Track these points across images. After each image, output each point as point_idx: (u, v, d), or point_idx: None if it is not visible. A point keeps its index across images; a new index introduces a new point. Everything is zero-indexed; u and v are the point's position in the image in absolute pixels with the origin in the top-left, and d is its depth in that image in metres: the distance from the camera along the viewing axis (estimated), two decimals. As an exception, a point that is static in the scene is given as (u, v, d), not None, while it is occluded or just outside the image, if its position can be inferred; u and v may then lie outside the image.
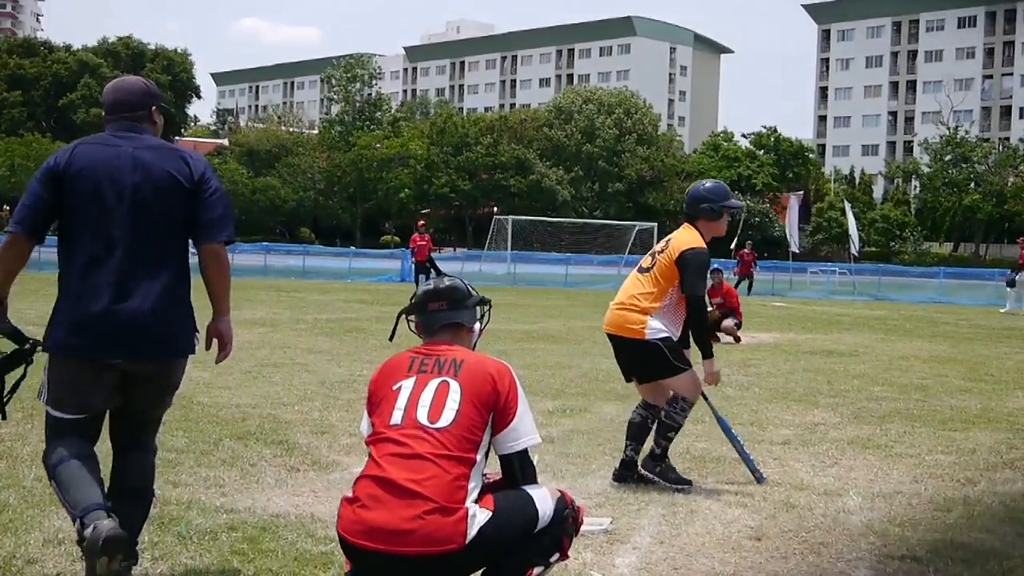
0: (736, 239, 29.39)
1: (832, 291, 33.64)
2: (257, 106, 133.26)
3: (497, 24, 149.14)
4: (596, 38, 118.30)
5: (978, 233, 75.28)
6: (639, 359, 5.64)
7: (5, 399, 3.92)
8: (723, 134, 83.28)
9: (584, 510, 3.59)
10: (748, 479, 5.77)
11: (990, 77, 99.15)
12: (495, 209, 66.55)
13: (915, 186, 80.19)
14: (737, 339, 14.82)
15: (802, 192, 48.64)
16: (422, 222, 29.97)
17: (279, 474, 5.61)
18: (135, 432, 3.84)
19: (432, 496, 3.10)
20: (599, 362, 10.93)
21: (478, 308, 3.68)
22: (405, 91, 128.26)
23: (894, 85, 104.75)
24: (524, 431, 3.35)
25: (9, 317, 3.81)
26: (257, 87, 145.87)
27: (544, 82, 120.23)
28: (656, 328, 5.51)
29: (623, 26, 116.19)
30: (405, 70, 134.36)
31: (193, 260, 3.82)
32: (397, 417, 3.28)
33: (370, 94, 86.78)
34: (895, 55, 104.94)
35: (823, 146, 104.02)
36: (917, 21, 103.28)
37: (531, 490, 3.34)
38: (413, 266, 26.86)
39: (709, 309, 14.91)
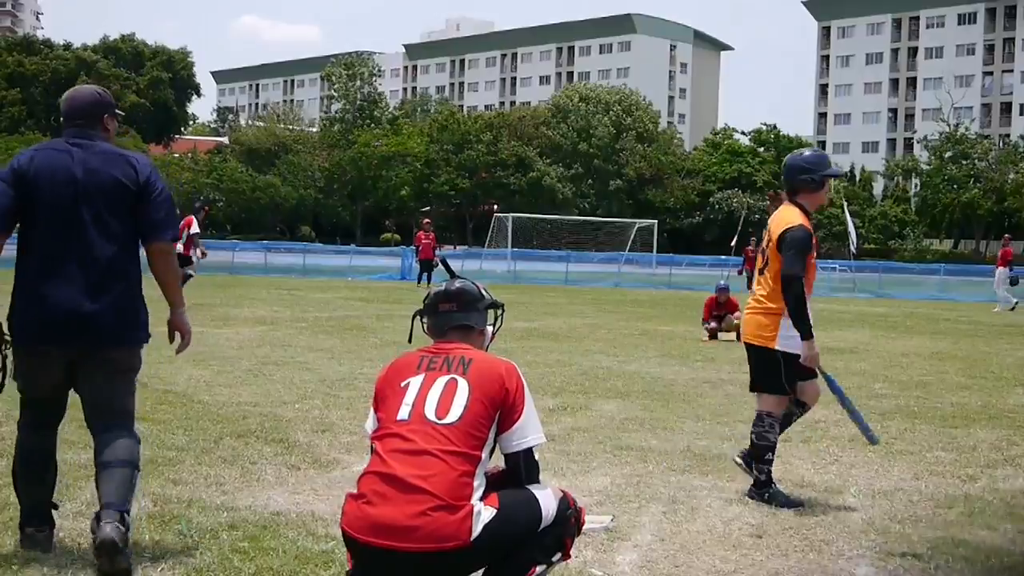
0: (736, 236, 29.37)
1: (832, 288, 33.56)
2: (257, 104, 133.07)
3: (497, 22, 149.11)
4: (596, 36, 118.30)
5: (978, 230, 75.23)
6: (763, 368, 5.49)
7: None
8: (723, 131, 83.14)
9: (585, 511, 3.59)
10: (748, 479, 5.74)
11: (990, 74, 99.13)
12: (495, 207, 66.56)
13: (915, 183, 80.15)
14: (738, 336, 14.80)
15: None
16: (427, 220, 29.96)
17: (279, 472, 5.61)
18: (106, 420, 4.06)
19: (437, 492, 3.10)
20: (599, 360, 10.93)
21: (490, 311, 3.67)
22: (405, 89, 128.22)
23: (894, 82, 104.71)
24: (530, 430, 3.36)
25: None
26: (257, 85, 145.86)
27: (544, 80, 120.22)
28: (787, 336, 5.33)
29: (623, 24, 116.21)
30: (405, 68, 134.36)
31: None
32: (404, 412, 3.29)
33: (369, 92, 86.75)
34: (895, 52, 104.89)
35: (823, 143, 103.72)
36: (917, 18, 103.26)
37: (535, 489, 3.35)
38: (417, 264, 26.87)
39: (711, 325, 15.02)
